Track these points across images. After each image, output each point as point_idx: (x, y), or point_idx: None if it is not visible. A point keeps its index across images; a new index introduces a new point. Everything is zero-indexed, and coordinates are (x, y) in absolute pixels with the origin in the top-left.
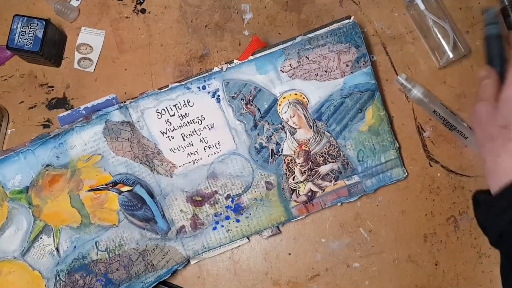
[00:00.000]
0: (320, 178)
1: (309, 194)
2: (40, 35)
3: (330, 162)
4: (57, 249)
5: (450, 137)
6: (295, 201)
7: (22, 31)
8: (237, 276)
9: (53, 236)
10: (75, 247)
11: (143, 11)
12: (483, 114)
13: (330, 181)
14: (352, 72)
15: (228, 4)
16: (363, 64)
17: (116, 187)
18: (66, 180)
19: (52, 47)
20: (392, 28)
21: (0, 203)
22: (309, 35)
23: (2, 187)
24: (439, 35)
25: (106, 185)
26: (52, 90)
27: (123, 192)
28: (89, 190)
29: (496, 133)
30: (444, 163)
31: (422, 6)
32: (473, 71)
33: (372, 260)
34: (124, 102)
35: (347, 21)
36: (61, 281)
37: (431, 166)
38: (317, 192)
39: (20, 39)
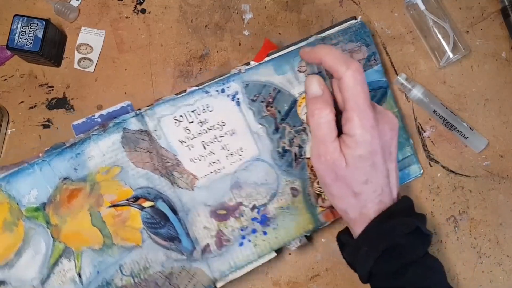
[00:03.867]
0: None
1: None
2: (40, 35)
3: None
4: (79, 275)
5: (450, 137)
6: (321, 206)
7: (22, 31)
8: None
9: (75, 260)
10: (98, 272)
11: (143, 11)
12: (338, 171)
13: None
14: (364, 70)
15: (228, 4)
16: (374, 62)
17: (138, 202)
18: (86, 194)
19: (52, 47)
20: (392, 28)
21: (15, 222)
22: (322, 35)
23: (17, 203)
24: (439, 35)
25: (127, 200)
26: (52, 90)
27: (145, 208)
28: (110, 206)
29: (358, 189)
30: (444, 163)
31: (422, 6)
32: (473, 71)
33: None
34: (140, 109)
35: (354, 21)
36: None
37: (431, 166)
38: None
39: (20, 39)
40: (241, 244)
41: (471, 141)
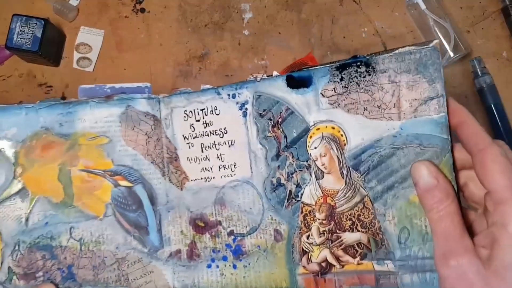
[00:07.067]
0: (342, 249)
1: (323, 264)
2: (39, 34)
3: (358, 231)
4: (27, 218)
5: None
6: (304, 267)
7: (21, 30)
8: None
9: (28, 203)
10: (46, 223)
11: (143, 10)
12: (474, 278)
13: (354, 257)
14: (415, 116)
15: (228, 3)
16: (435, 109)
17: (115, 177)
18: (62, 150)
19: (51, 46)
20: (393, 27)
21: None
22: (367, 57)
23: None
24: (439, 35)
25: (104, 171)
26: (51, 89)
27: (120, 185)
28: (83, 170)
29: None
30: None
31: (422, 6)
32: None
33: None
34: (158, 95)
35: (425, 47)
36: (19, 253)
37: None
38: (334, 266)
39: (19, 39)
40: (209, 266)
41: None
